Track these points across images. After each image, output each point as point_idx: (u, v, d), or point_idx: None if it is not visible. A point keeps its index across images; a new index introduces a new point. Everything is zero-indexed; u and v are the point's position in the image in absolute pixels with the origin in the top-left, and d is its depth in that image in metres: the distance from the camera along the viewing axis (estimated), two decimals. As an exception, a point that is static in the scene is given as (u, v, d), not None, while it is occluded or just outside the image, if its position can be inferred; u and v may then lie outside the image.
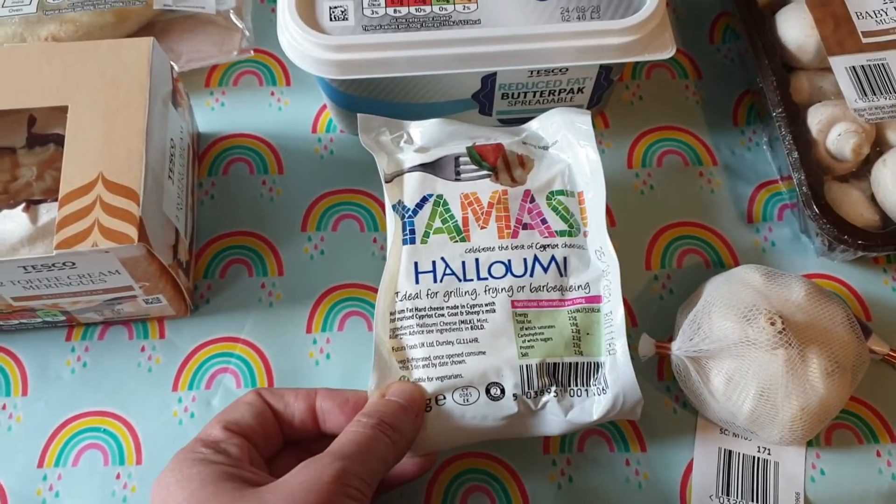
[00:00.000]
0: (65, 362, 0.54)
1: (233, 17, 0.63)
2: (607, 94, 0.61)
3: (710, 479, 0.52)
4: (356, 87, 0.56)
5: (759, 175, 0.62)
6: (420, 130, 0.54)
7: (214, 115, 0.63)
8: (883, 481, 0.53)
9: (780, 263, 0.58)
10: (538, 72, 0.57)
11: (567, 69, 0.56)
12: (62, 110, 0.49)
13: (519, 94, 0.59)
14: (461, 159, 0.53)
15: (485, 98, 0.59)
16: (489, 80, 0.57)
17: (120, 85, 0.50)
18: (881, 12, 0.58)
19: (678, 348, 0.50)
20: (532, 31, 0.53)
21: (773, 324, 0.48)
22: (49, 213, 0.48)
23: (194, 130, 0.60)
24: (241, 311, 0.56)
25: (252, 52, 0.62)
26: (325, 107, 0.63)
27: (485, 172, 0.53)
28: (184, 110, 0.57)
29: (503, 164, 0.53)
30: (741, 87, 0.65)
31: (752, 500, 0.51)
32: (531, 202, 0.53)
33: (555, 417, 0.48)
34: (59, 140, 0.50)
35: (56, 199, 0.46)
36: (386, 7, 0.54)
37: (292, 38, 0.53)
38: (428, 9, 0.54)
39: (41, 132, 0.52)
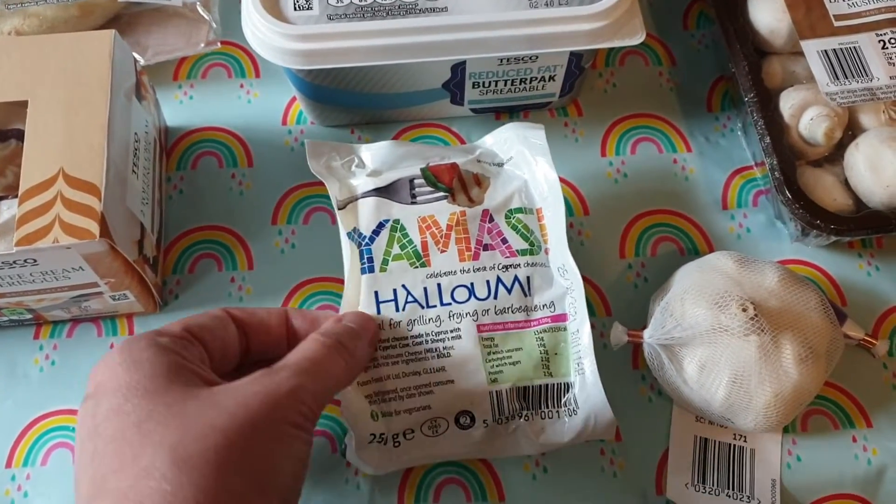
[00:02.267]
0: (33, 360, 0.54)
1: (200, 9, 0.62)
2: (579, 81, 0.60)
3: (685, 468, 0.52)
4: (324, 78, 0.56)
5: (733, 161, 0.61)
6: (371, 154, 0.53)
7: (183, 108, 0.62)
8: (859, 466, 0.52)
9: (755, 250, 0.58)
10: (508, 60, 0.56)
11: (537, 57, 0.56)
12: (22, 105, 0.48)
13: (490, 82, 0.58)
14: (416, 181, 0.52)
15: (455, 87, 0.58)
16: (459, 68, 0.56)
17: (81, 79, 0.49)
18: (854, -4, 0.57)
19: (650, 336, 0.50)
20: (499, 17, 0.53)
21: (744, 310, 0.48)
22: (10, 209, 0.47)
23: (161, 124, 0.59)
24: (211, 306, 0.55)
25: (219, 43, 0.62)
26: (295, 98, 0.62)
27: (441, 194, 0.52)
28: (149, 104, 0.56)
29: (459, 184, 0.52)
30: (715, 73, 0.65)
31: (728, 488, 0.51)
32: (490, 222, 0.52)
33: (526, 440, 0.48)
34: (20, 136, 0.49)
35: (17, 196, 0.45)
36: (352, -4, 0.53)
37: (256, 28, 0.53)
38: (394, -4, 0.53)
39: (1, 128, 0.51)
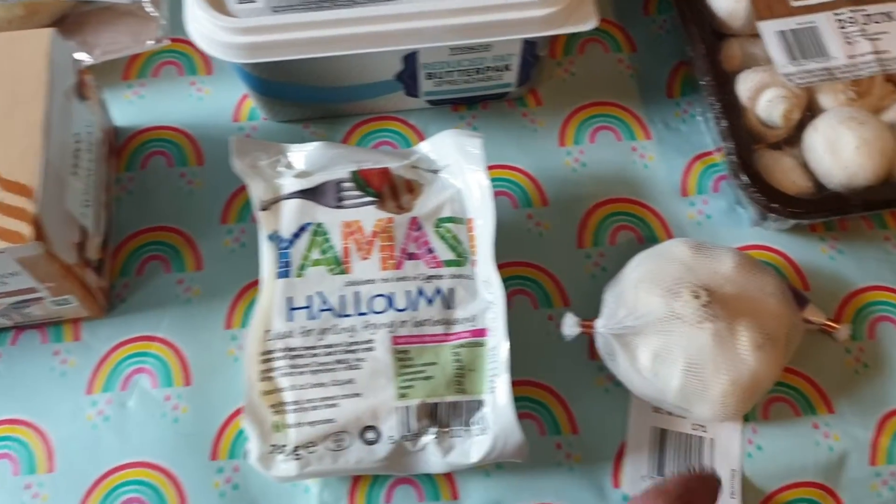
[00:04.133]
0: (-25, 371, 0.53)
1: (148, 6, 0.61)
2: (536, 70, 0.59)
3: (642, 459, 0.51)
4: (272, 72, 0.55)
5: (693, 147, 0.60)
6: (302, 155, 0.52)
7: (133, 107, 0.61)
8: (821, 453, 0.51)
9: (715, 236, 0.57)
10: (460, 49, 0.55)
11: (490, 46, 0.55)
12: (-44, 106, 0.47)
13: (444, 73, 0.57)
14: (344, 184, 0.51)
15: (409, 78, 0.57)
16: (411, 59, 0.55)
17: (17, 79, 0.48)
18: (810, -25, 0.56)
19: (602, 326, 0.49)
20: (448, 5, 0.52)
21: (697, 297, 0.47)
22: (-56, 213, 0.46)
23: (108, 124, 0.58)
24: (159, 308, 0.55)
25: (168, 41, 0.60)
26: (247, 95, 0.61)
27: (369, 199, 0.50)
28: (93, 104, 0.55)
29: (389, 190, 0.51)
30: (676, 58, 0.63)
31: (688, 480, 0.50)
32: (418, 230, 0.50)
33: (434, 458, 0.47)
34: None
35: (-52, 199, 0.44)
36: (297, -14, 0.52)
37: (198, 23, 0.52)
38: (338, -13, 0.52)
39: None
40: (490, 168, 0.55)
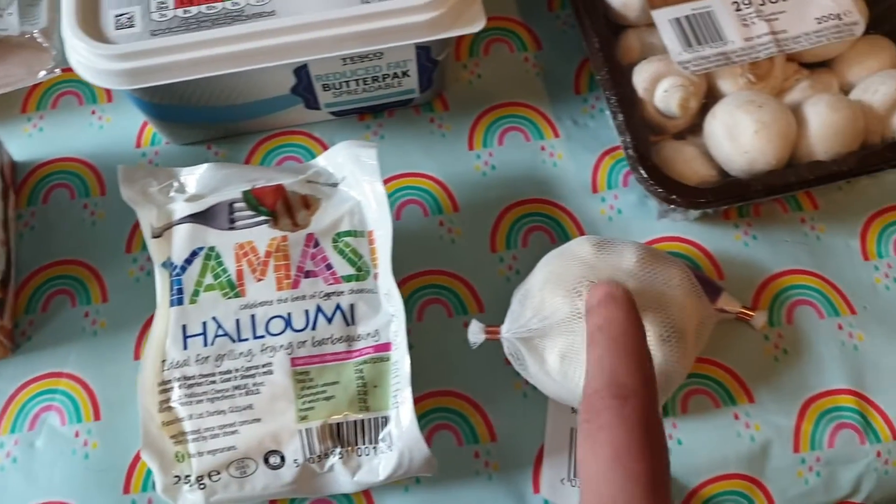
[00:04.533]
0: None
1: (39, 37, 0.59)
2: (439, 75, 0.58)
3: (562, 462, 0.50)
4: (162, 96, 0.54)
5: (602, 142, 0.59)
6: (194, 177, 0.51)
7: (33, 141, 0.60)
8: (742, 444, 0.51)
9: (627, 230, 0.56)
10: (352, 59, 0.54)
11: (382, 53, 0.54)
12: None
13: (340, 83, 0.56)
14: (236, 205, 0.50)
15: (305, 91, 0.56)
16: (302, 72, 0.54)
17: None
18: (704, -41, 0.55)
19: (507, 331, 0.48)
20: (329, 16, 0.51)
21: None
22: None
23: (5, 160, 0.57)
24: (65, 343, 0.53)
25: (60, 70, 0.59)
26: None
27: (262, 218, 0.49)
28: (-16, 141, 0.54)
29: (284, 208, 0.50)
30: (581, 54, 0.63)
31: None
32: (315, 247, 0.49)
33: (343, 478, 0.46)
34: None
35: None
36: (175, 8, 0.51)
37: (77, 52, 0.50)
38: (219, 5, 0.51)
39: None
40: (399, 176, 0.55)
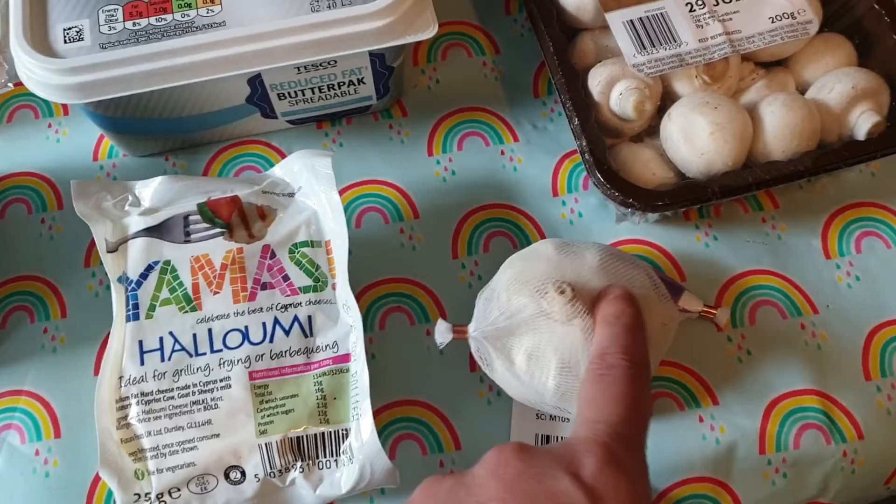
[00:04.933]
0: None
1: (-11, 50, 0.59)
2: (395, 81, 0.58)
3: (524, 471, 0.49)
4: (115, 109, 0.53)
5: (562, 146, 0.59)
6: (149, 190, 0.50)
7: (-13, 156, 0.59)
8: (707, 447, 0.50)
9: (588, 233, 0.56)
10: (305, 67, 0.53)
11: (336, 62, 0.53)
12: None
13: (295, 92, 0.55)
14: (191, 218, 0.49)
15: (261, 101, 0.56)
16: (256, 82, 0.54)
17: None
18: (658, -40, 0.55)
19: (475, 329, 0.47)
20: (279, 26, 0.50)
21: (562, 293, 0.46)
22: None
23: (-40, 176, 0.56)
24: (25, 360, 0.53)
25: (12, 85, 0.58)
26: (106, 133, 0.59)
27: (218, 230, 0.49)
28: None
29: (239, 219, 0.49)
30: (539, 58, 0.62)
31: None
32: (271, 258, 0.49)
33: (306, 492, 0.46)
34: None
35: None
36: (124, 21, 0.50)
37: (26, 67, 0.50)
38: (169, 17, 0.50)
39: None
40: (359, 184, 0.54)
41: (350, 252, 0.49)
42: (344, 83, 0.56)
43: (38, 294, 0.55)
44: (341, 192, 0.56)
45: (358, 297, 0.53)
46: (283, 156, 0.59)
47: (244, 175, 0.58)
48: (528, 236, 0.56)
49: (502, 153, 0.59)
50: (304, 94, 0.56)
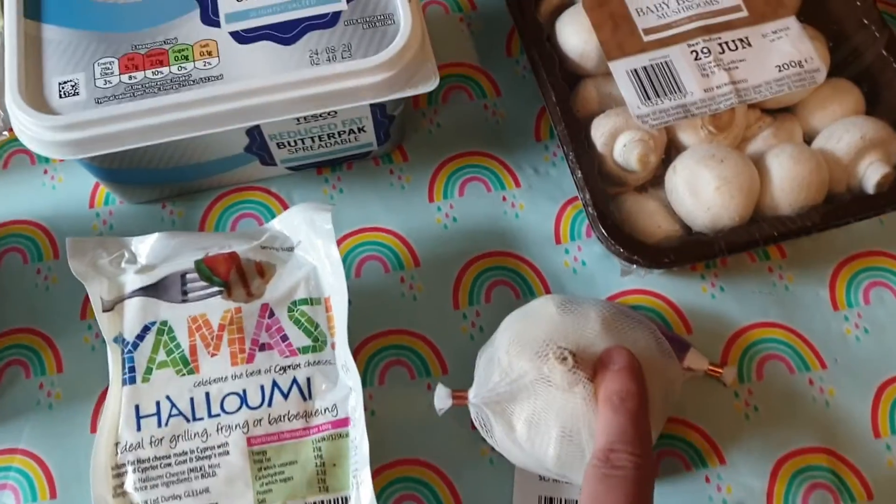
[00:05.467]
0: None
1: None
2: (396, 128, 0.57)
3: (528, 533, 0.48)
4: (111, 162, 0.52)
5: (564, 192, 0.58)
6: (145, 245, 0.50)
7: (-16, 202, 0.59)
8: (713, 509, 0.49)
9: (592, 283, 0.55)
10: (305, 118, 0.52)
11: (336, 112, 0.52)
12: None
13: (295, 141, 0.55)
14: (189, 276, 0.48)
15: (260, 150, 0.55)
16: (255, 132, 0.53)
17: None
18: (662, 5, 0.54)
19: (475, 395, 0.46)
20: (278, 80, 0.49)
21: (564, 360, 0.45)
22: None
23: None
24: (20, 417, 0.52)
25: (6, 133, 0.58)
26: (102, 179, 0.59)
27: (216, 289, 0.48)
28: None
29: (237, 277, 0.48)
30: (541, 100, 0.61)
31: (576, 549, 0.48)
32: (270, 317, 0.48)
33: None
34: None
35: None
36: (120, 75, 0.49)
37: (21, 122, 0.49)
38: (165, 70, 0.50)
39: None
40: (359, 231, 0.53)
41: (350, 302, 0.48)
42: (344, 132, 0.55)
43: (33, 347, 0.54)
44: (342, 240, 0.55)
45: (357, 350, 0.52)
46: (283, 202, 0.58)
47: (243, 224, 0.57)
48: (531, 286, 0.55)
49: (504, 199, 0.58)
50: (303, 143, 0.55)
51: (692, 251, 0.49)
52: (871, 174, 0.51)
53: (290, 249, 0.51)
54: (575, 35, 0.55)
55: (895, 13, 0.62)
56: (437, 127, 0.61)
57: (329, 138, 0.55)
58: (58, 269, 0.57)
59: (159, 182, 0.57)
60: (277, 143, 0.55)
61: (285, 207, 0.58)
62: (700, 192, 0.50)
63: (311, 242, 0.50)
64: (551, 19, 0.57)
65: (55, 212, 0.59)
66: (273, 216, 0.58)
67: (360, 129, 0.55)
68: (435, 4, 0.64)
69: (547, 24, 0.58)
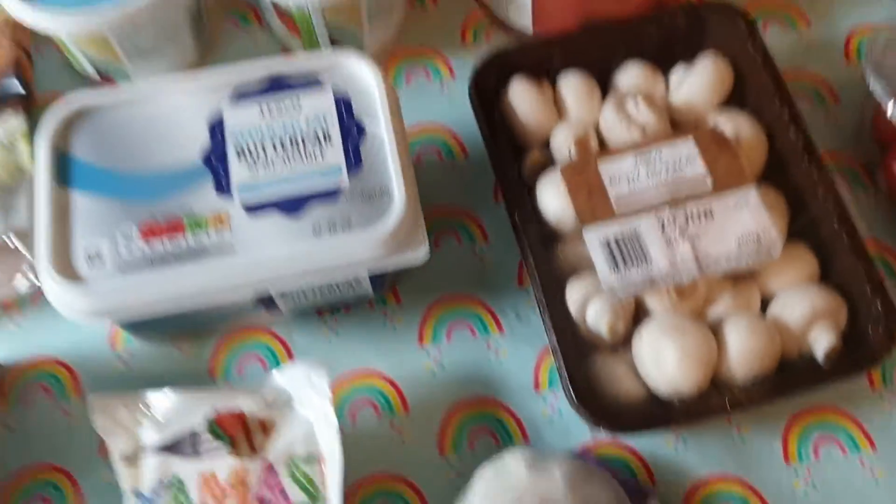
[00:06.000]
0: None
1: (14, 242, 0.63)
2: (391, 278, 0.62)
3: None
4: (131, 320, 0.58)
5: (543, 338, 0.62)
6: (159, 402, 0.55)
7: (13, 339, 0.64)
8: None
9: (567, 433, 0.60)
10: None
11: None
12: None
13: (298, 296, 0.60)
14: (200, 433, 0.53)
15: (266, 303, 0.60)
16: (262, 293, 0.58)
17: None
18: (634, 174, 0.60)
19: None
20: (286, 252, 0.54)
21: None
22: None
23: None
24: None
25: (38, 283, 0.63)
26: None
27: (224, 445, 0.53)
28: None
29: (243, 434, 0.53)
30: (526, 248, 0.66)
31: None
32: (271, 474, 0.53)
33: None
34: None
35: None
36: (139, 240, 0.55)
37: (52, 291, 0.54)
38: (181, 240, 0.55)
39: None
40: (354, 377, 0.60)
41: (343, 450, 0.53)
42: (345, 284, 0.60)
43: (56, 484, 0.59)
44: (338, 387, 0.60)
45: (348, 496, 0.57)
46: (286, 345, 0.63)
47: (248, 370, 0.62)
48: (512, 436, 0.60)
49: (488, 345, 0.63)
50: (306, 296, 0.61)
51: (654, 419, 0.55)
52: (818, 346, 0.56)
53: (290, 405, 0.56)
54: (554, 200, 0.60)
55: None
56: (428, 269, 0.66)
57: (329, 291, 0.61)
58: (80, 407, 0.62)
59: (174, 328, 0.62)
60: (282, 297, 0.60)
61: (287, 349, 0.63)
62: (663, 364, 0.55)
63: (309, 400, 0.55)
64: (534, 175, 0.62)
65: (78, 350, 0.64)
66: (275, 357, 0.63)
67: (357, 283, 0.61)
68: (429, 154, 0.70)
69: (530, 179, 0.63)
